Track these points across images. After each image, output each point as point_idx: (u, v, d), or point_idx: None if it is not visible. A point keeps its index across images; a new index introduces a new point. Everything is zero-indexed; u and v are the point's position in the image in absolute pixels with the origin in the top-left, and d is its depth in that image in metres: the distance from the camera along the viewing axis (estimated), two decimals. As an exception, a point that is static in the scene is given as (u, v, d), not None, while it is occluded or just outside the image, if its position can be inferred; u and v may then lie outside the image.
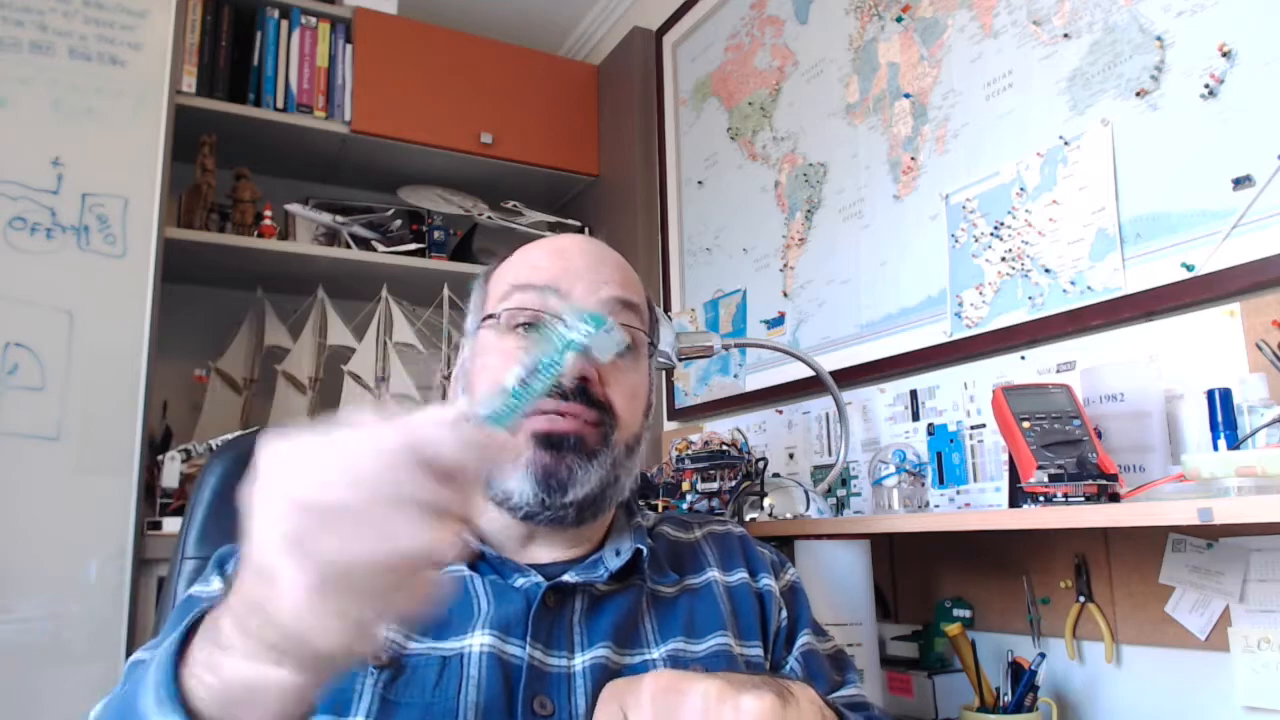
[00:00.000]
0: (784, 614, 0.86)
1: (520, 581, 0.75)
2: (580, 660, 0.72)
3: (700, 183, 2.23)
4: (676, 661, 0.74)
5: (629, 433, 0.79)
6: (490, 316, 0.80)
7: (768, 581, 0.87)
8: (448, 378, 2.11)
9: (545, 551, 0.79)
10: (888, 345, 1.63)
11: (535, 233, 2.51)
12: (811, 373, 1.64)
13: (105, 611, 1.60)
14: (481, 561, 0.77)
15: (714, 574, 0.85)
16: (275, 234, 2.17)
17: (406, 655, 0.68)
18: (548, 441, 0.74)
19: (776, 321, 1.93)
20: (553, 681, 0.70)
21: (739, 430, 1.71)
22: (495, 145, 2.40)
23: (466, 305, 0.89)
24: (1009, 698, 1.18)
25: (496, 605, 0.72)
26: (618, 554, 0.80)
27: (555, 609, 0.74)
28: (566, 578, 0.75)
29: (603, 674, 0.71)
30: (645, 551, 0.79)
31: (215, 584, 0.72)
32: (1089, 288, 1.29)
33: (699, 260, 2.22)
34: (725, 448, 1.58)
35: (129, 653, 0.71)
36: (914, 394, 1.58)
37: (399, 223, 2.36)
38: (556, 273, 0.79)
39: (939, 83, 1.58)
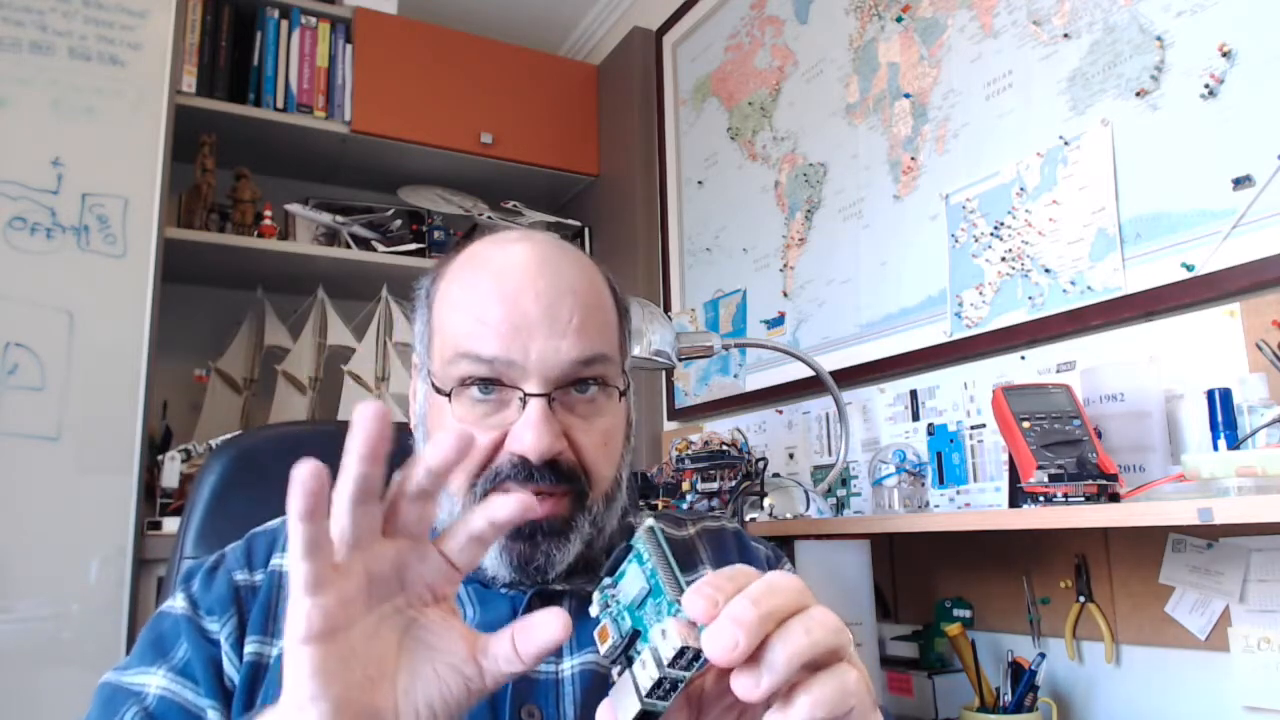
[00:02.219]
0: None
1: (505, 587, 0.73)
2: (569, 665, 0.70)
3: (700, 183, 2.23)
4: None
5: (605, 484, 0.73)
6: (441, 391, 0.72)
7: None
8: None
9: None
10: (888, 345, 1.63)
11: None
12: (811, 373, 1.64)
13: (105, 611, 1.60)
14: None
15: (708, 571, 0.84)
16: (275, 234, 2.17)
17: None
18: (518, 532, 0.68)
19: (776, 321, 1.93)
20: (540, 689, 0.68)
21: (739, 430, 1.71)
22: (495, 145, 2.40)
23: None
24: (1009, 698, 1.18)
25: (481, 611, 0.71)
26: (607, 555, 0.79)
27: None
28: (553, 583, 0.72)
29: (593, 679, 0.69)
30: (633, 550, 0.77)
31: (180, 600, 0.70)
32: (1089, 288, 1.29)
33: (699, 260, 2.22)
34: (725, 448, 1.58)
35: (129, 653, 0.71)
36: (914, 394, 1.58)
37: (399, 223, 2.36)
38: (506, 334, 0.68)
39: (939, 83, 1.58)
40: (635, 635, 0.46)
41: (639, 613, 0.46)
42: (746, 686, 0.41)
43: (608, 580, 0.48)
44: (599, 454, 0.72)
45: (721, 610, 0.41)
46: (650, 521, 0.49)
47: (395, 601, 0.49)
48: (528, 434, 0.67)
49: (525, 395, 0.68)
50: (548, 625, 0.47)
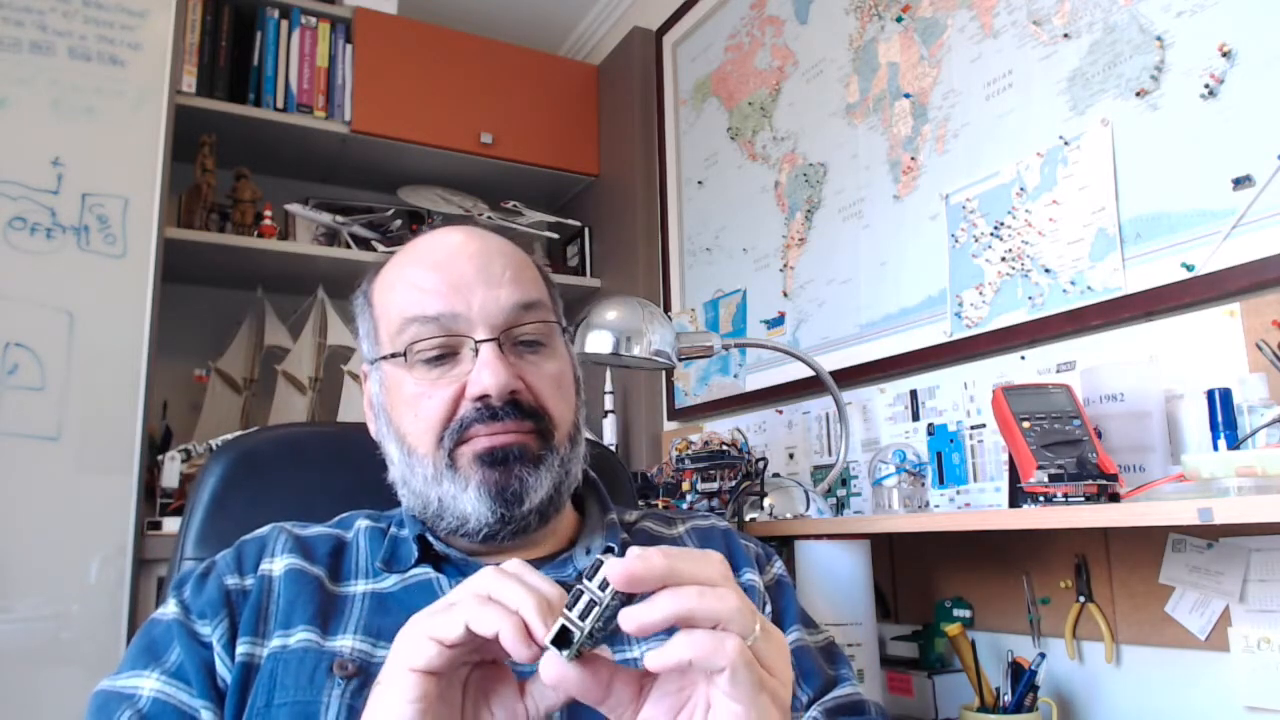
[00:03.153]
0: (769, 608, 0.84)
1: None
2: None
3: (700, 183, 2.23)
4: None
5: (567, 425, 0.78)
6: (395, 355, 0.77)
7: (750, 576, 0.84)
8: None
9: (511, 553, 0.77)
10: (888, 345, 1.63)
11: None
12: (811, 373, 1.64)
13: (105, 611, 1.60)
14: (447, 564, 0.76)
15: None
16: (275, 234, 2.17)
17: (374, 663, 0.67)
18: (492, 458, 0.73)
19: (776, 321, 1.93)
20: None
21: (739, 430, 1.71)
22: (495, 145, 2.40)
23: None
24: (1009, 698, 1.18)
25: None
26: (588, 552, 0.79)
27: None
28: None
29: None
30: (616, 550, 0.78)
31: (172, 606, 0.70)
32: (1089, 288, 1.29)
33: (699, 260, 2.22)
34: (725, 448, 1.58)
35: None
36: (914, 394, 1.58)
37: (399, 223, 2.36)
38: (446, 293, 0.75)
39: (939, 83, 1.58)
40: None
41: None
42: (628, 616, 0.46)
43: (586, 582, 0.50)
44: (554, 394, 0.77)
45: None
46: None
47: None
48: (485, 373, 0.72)
49: (476, 343, 0.73)
50: (573, 680, 0.49)
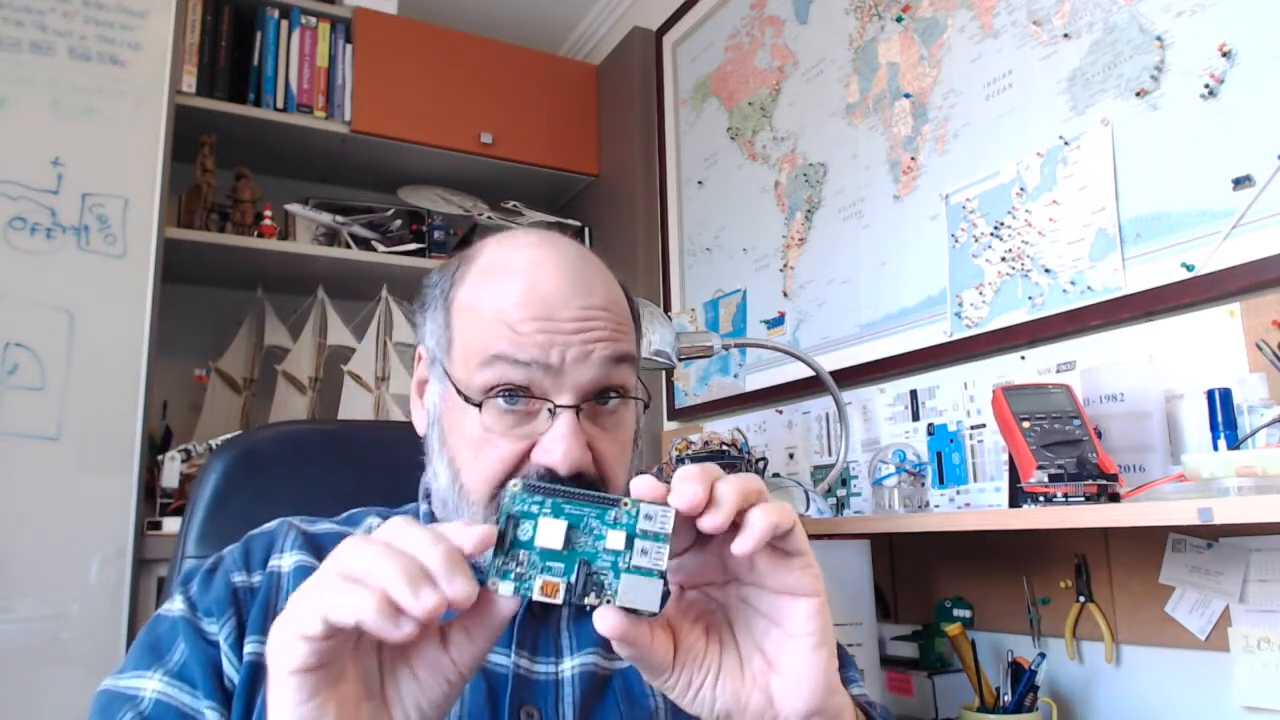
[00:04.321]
0: None
1: None
2: (569, 666, 0.70)
3: (700, 183, 2.23)
4: None
5: (620, 490, 0.72)
6: (469, 399, 0.70)
7: None
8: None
9: None
10: (888, 345, 1.63)
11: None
12: (811, 373, 1.64)
13: (105, 611, 1.60)
14: None
15: None
16: (275, 234, 2.17)
17: None
18: None
19: (776, 321, 1.93)
20: (539, 690, 0.68)
21: (739, 430, 1.71)
22: (495, 145, 2.40)
23: None
24: (1009, 698, 1.18)
25: None
26: None
27: (541, 615, 0.71)
28: None
29: (592, 680, 0.69)
30: None
31: (178, 603, 0.69)
32: (1089, 288, 1.29)
33: (699, 260, 2.22)
34: (725, 448, 1.58)
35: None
36: (914, 394, 1.58)
37: (399, 223, 2.36)
38: (542, 341, 0.67)
39: (939, 83, 1.58)
40: (585, 563, 0.48)
41: (575, 550, 0.49)
42: (708, 519, 0.48)
43: (499, 556, 0.49)
44: (618, 465, 0.72)
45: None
46: (511, 487, 0.50)
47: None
48: (557, 447, 0.66)
49: (555, 407, 0.67)
50: (477, 599, 0.47)
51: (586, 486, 0.66)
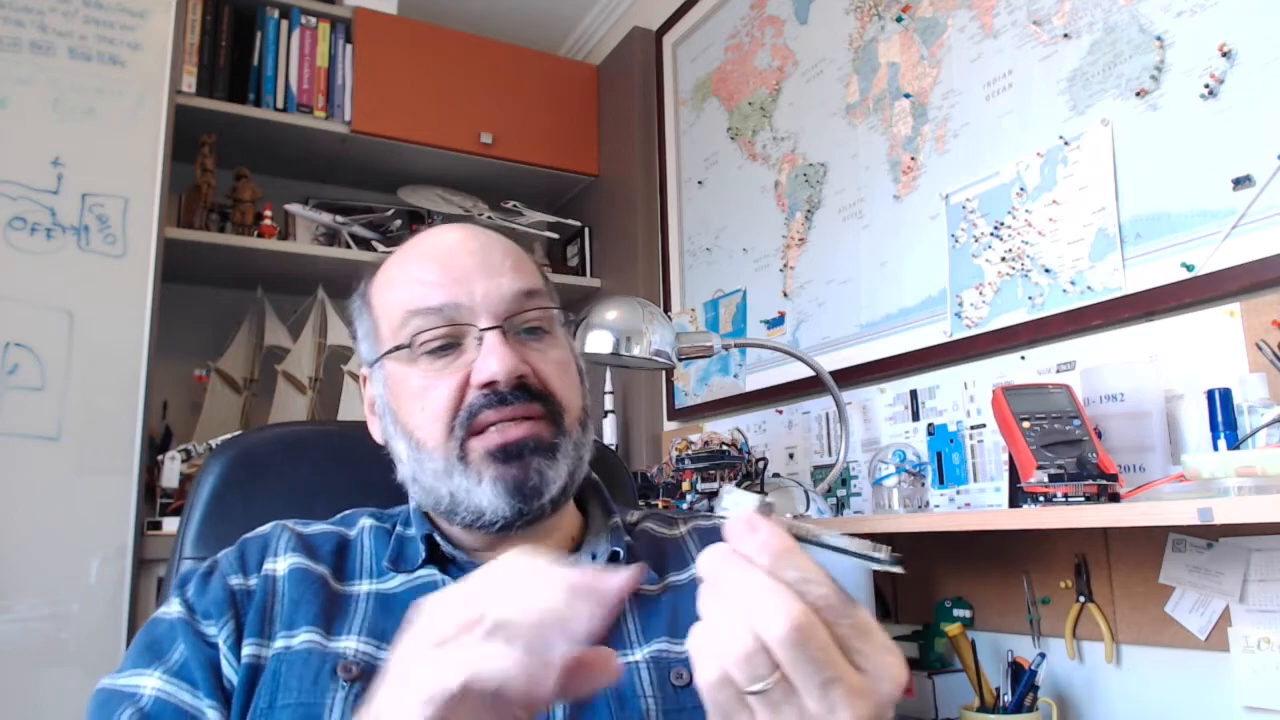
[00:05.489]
0: None
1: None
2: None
3: (700, 183, 2.23)
4: (660, 662, 0.71)
5: (576, 409, 0.77)
6: (399, 348, 0.75)
7: None
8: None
9: (521, 544, 0.75)
10: (888, 345, 1.63)
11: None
12: (811, 373, 1.64)
13: (105, 611, 1.60)
14: (453, 566, 0.76)
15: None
16: (275, 234, 2.17)
17: (378, 665, 0.66)
18: (505, 454, 0.72)
19: (776, 321, 1.93)
20: None
21: (739, 430, 1.71)
22: (495, 145, 2.40)
23: None
24: (1009, 698, 1.18)
25: None
26: (594, 558, 0.78)
27: None
28: None
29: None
30: (622, 554, 0.78)
31: (175, 605, 0.70)
32: (1089, 288, 1.29)
33: (699, 260, 2.22)
34: (725, 448, 1.58)
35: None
36: (914, 394, 1.58)
37: (399, 223, 2.36)
38: (448, 284, 0.74)
39: (939, 83, 1.58)
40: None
41: None
42: None
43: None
44: (561, 378, 0.76)
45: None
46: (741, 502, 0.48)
47: None
48: (491, 359, 0.71)
49: (480, 330, 0.73)
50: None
51: (531, 395, 0.73)
